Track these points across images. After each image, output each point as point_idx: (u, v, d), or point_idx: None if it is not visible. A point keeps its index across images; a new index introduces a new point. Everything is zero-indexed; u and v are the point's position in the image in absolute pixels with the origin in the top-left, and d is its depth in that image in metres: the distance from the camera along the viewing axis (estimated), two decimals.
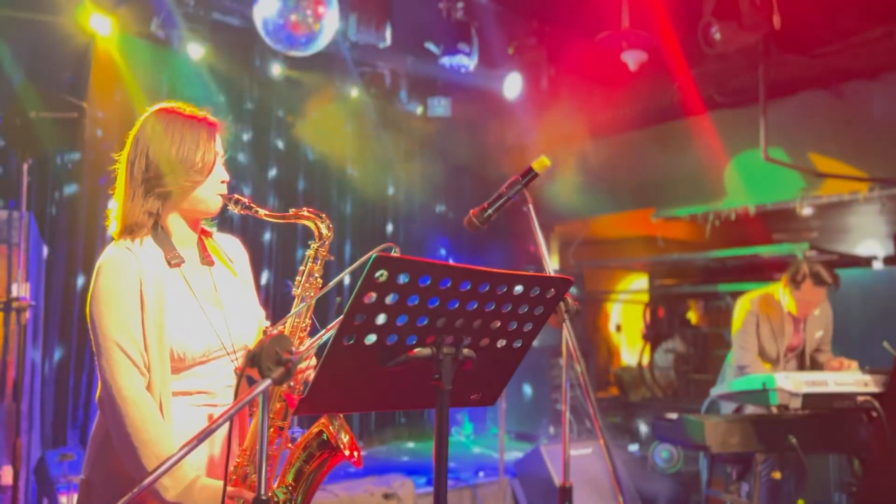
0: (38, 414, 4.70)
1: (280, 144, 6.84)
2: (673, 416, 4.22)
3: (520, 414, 7.19)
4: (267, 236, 6.67)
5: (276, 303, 6.44)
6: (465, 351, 1.55)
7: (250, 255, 2.23)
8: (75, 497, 3.96)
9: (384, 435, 7.41)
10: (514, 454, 6.01)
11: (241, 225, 6.16)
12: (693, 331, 8.62)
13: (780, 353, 4.47)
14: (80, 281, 5.47)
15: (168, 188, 1.93)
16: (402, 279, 1.39)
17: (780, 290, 4.45)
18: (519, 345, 1.67)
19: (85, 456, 1.99)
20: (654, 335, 8.81)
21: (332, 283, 1.76)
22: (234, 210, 2.02)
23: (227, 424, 1.84)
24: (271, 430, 1.93)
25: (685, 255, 8.21)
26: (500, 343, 1.63)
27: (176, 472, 1.78)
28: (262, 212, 2.02)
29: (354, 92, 6.93)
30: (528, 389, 7.14)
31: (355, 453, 1.97)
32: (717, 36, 5.19)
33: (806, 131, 6.20)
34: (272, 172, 6.78)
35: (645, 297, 9.36)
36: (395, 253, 1.38)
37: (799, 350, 4.56)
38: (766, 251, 6.80)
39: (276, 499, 1.94)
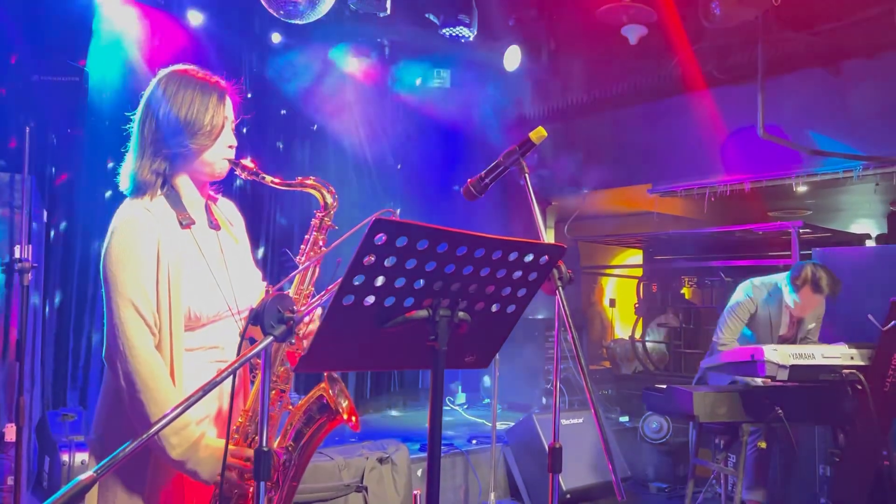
0: (38, 374, 4.76)
1: (279, 113, 6.84)
2: (662, 386, 4.31)
3: (513, 385, 7.28)
4: (265, 205, 6.70)
5: (272, 271, 6.50)
6: (461, 314, 1.58)
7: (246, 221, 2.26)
8: (77, 456, 4.06)
9: (379, 402, 7.51)
10: (507, 424, 6.10)
11: (236, 191, 6.19)
12: (686, 306, 8.69)
13: (772, 341, 4.55)
14: (80, 245, 5.51)
15: (175, 150, 1.94)
16: (401, 242, 1.41)
17: (784, 282, 4.51)
18: (512, 310, 1.70)
19: (95, 414, 2.01)
20: (646, 310, 8.89)
21: (332, 246, 1.80)
22: (240, 175, 2.02)
23: (230, 382, 1.88)
24: (273, 392, 1.97)
25: (680, 231, 8.25)
26: (495, 307, 1.66)
27: (182, 430, 1.82)
28: (268, 178, 2.02)
29: (354, 61, 6.91)
30: (521, 361, 7.21)
31: (353, 418, 2.02)
32: (717, 11, 5.19)
33: (803, 108, 6.21)
34: (270, 141, 6.78)
35: (639, 273, 9.41)
36: (395, 216, 1.41)
37: (790, 341, 4.65)
38: (760, 228, 6.83)
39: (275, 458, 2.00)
